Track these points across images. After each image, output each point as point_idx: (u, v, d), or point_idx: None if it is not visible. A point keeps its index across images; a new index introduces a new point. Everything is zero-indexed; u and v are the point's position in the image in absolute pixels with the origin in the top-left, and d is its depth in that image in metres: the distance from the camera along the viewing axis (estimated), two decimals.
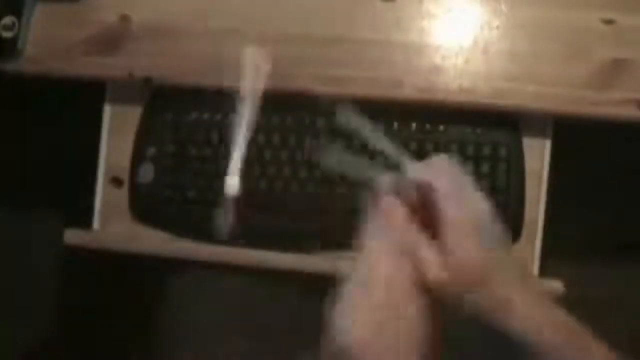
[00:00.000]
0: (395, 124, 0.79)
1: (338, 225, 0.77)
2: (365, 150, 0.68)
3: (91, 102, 0.85)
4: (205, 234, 0.81)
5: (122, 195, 0.85)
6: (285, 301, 0.85)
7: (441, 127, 0.79)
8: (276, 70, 0.76)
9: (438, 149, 0.78)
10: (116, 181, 0.86)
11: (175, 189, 0.83)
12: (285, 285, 0.85)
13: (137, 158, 0.84)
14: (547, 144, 0.79)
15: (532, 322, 0.52)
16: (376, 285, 0.50)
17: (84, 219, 0.86)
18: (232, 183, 0.61)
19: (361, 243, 0.52)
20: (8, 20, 0.80)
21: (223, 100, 0.81)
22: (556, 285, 0.77)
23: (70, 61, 0.80)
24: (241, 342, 0.83)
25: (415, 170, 0.54)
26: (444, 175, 0.53)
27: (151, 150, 0.84)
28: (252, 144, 0.81)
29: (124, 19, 0.80)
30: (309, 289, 0.84)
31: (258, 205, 0.81)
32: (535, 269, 0.79)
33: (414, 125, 0.79)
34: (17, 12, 0.80)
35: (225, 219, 0.63)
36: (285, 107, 0.81)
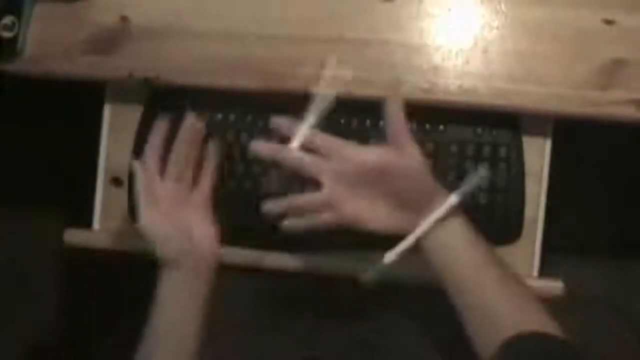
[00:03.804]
0: None
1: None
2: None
3: (91, 102, 0.85)
4: None
5: (122, 195, 0.85)
6: (285, 301, 0.85)
7: (441, 127, 0.79)
8: (276, 70, 0.76)
9: (438, 149, 0.78)
10: (116, 181, 0.86)
11: None
12: (286, 285, 0.85)
13: (137, 158, 0.84)
14: (547, 144, 0.79)
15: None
16: None
17: (84, 219, 0.86)
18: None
19: None
20: (8, 20, 0.80)
21: (223, 100, 0.81)
22: (556, 285, 0.77)
23: (70, 61, 0.80)
24: (242, 341, 0.83)
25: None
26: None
27: None
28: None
29: (124, 19, 0.80)
30: (309, 288, 0.84)
31: (258, 205, 0.81)
32: (535, 268, 0.79)
33: (414, 125, 0.79)
34: (17, 12, 0.80)
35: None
36: (285, 107, 0.81)
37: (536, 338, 0.59)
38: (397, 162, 0.64)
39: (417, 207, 0.65)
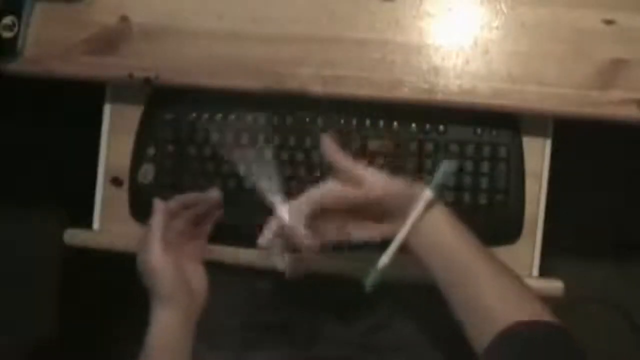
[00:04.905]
0: (395, 124, 0.79)
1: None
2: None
3: (91, 102, 0.85)
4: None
5: (122, 195, 0.85)
6: (285, 301, 0.85)
7: (441, 127, 0.79)
8: (276, 70, 0.77)
9: (438, 149, 0.78)
10: (116, 181, 0.86)
11: (175, 189, 0.83)
12: (286, 285, 0.85)
13: (137, 158, 0.84)
14: (547, 144, 0.79)
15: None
16: None
17: (84, 219, 0.86)
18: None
19: None
20: (8, 20, 0.80)
21: (223, 100, 0.81)
22: (556, 285, 0.77)
23: (70, 61, 0.80)
24: (242, 341, 0.83)
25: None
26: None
27: (151, 150, 0.84)
28: (251, 144, 0.81)
29: (124, 19, 0.80)
30: (308, 288, 0.84)
31: (258, 204, 0.81)
32: (535, 268, 0.79)
33: (414, 125, 0.79)
34: (17, 12, 0.80)
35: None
36: (285, 107, 0.81)
37: (534, 326, 0.59)
38: (363, 196, 0.65)
39: (399, 213, 0.66)
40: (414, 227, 0.65)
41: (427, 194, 0.65)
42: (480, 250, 0.65)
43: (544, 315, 0.61)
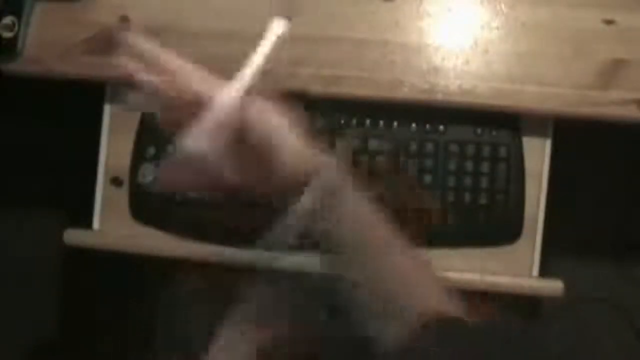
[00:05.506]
0: (395, 124, 0.79)
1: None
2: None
3: (91, 102, 0.85)
4: (205, 234, 0.81)
5: (122, 195, 0.85)
6: (286, 300, 0.85)
7: (441, 127, 0.79)
8: (277, 70, 0.76)
9: (438, 149, 0.78)
10: (116, 181, 0.86)
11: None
12: (287, 285, 0.85)
13: (137, 158, 0.84)
14: (547, 144, 0.79)
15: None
16: None
17: (84, 219, 0.86)
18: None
19: None
20: (8, 20, 0.80)
21: None
22: (556, 285, 0.77)
23: (70, 61, 0.80)
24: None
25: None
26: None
27: (151, 150, 0.84)
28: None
29: (124, 19, 0.80)
30: (308, 288, 0.84)
31: (257, 205, 0.81)
32: (535, 268, 0.79)
33: (414, 125, 0.79)
34: (17, 12, 0.80)
35: None
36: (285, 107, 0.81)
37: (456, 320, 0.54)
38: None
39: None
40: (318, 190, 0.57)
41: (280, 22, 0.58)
42: (384, 226, 0.59)
43: (452, 304, 0.56)
